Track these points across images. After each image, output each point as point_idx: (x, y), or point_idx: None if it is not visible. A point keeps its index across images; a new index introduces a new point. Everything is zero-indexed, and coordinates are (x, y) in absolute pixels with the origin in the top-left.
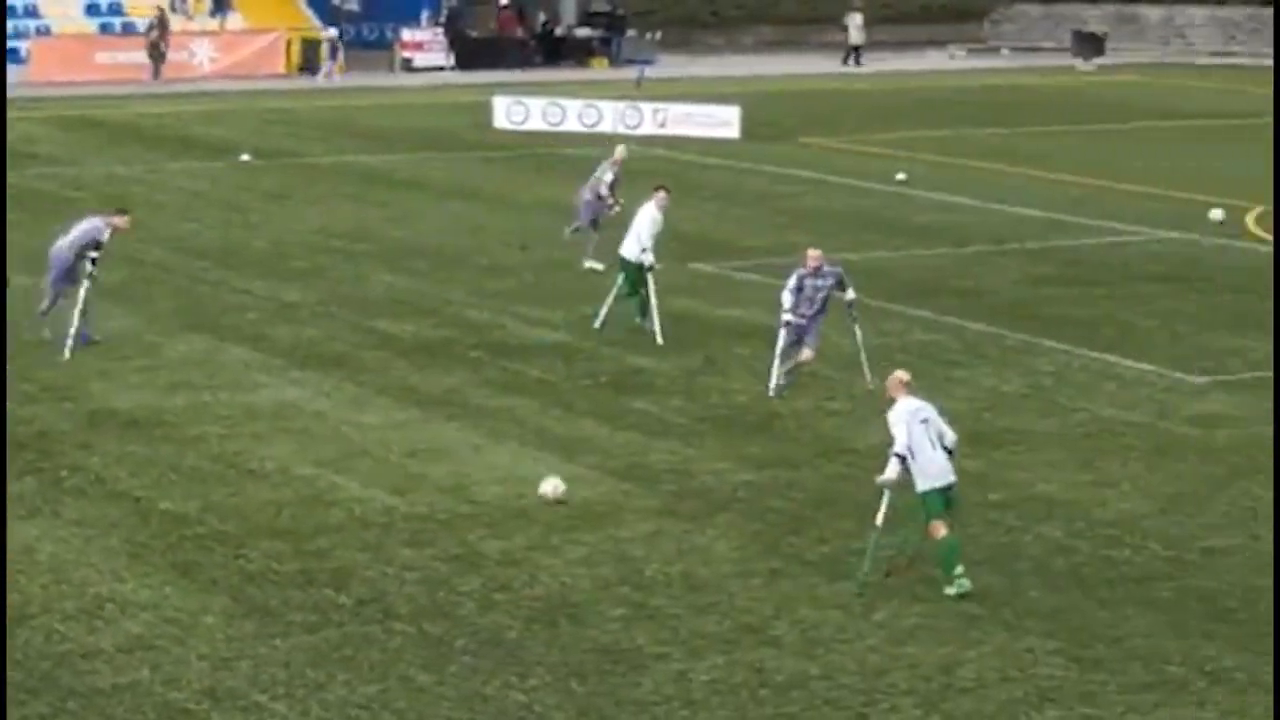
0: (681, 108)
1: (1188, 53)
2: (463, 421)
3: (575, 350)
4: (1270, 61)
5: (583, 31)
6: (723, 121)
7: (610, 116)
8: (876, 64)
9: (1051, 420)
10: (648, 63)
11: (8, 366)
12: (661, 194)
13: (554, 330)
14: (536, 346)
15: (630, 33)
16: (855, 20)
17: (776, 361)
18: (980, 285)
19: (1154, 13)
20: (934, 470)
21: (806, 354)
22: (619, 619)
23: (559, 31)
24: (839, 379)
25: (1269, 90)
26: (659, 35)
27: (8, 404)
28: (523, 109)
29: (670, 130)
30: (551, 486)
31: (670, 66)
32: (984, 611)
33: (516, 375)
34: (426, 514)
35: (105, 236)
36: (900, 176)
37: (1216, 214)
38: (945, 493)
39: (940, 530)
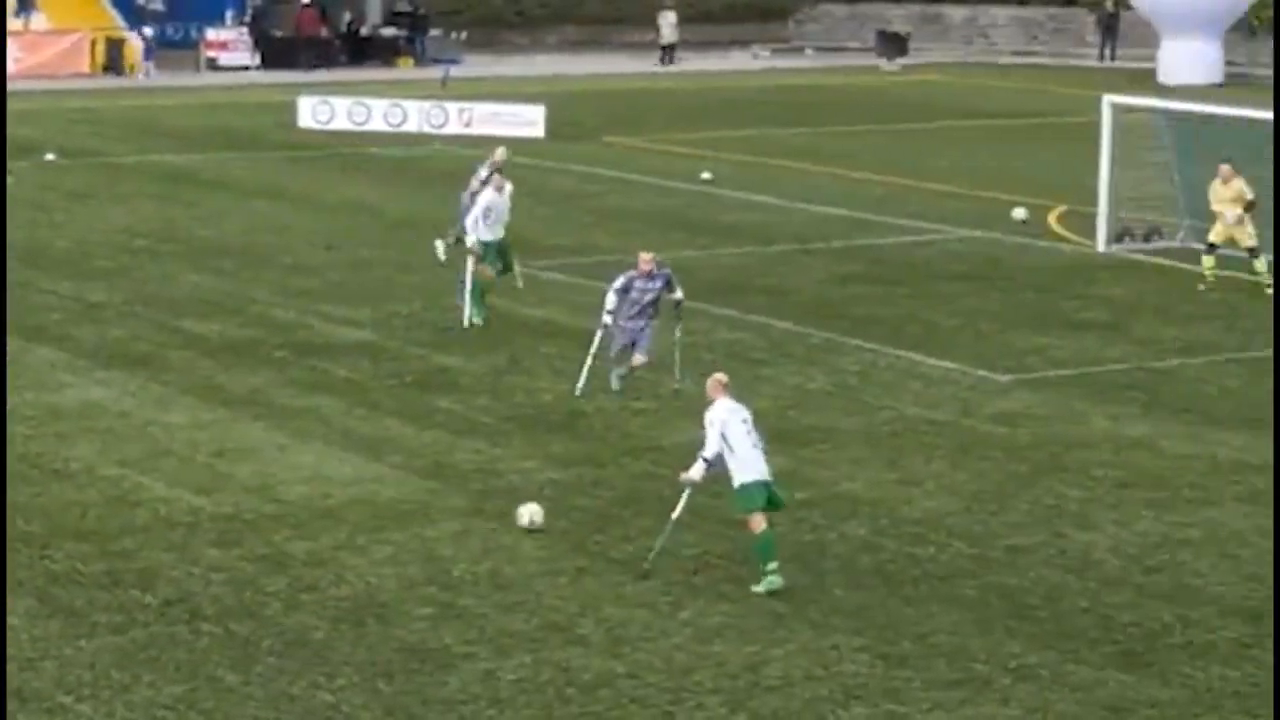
0: (487, 107)
1: (991, 52)
2: (268, 421)
3: (381, 349)
4: (1074, 61)
5: (388, 31)
6: (528, 121)
7: (415, 116)
8: (680, 64)
9: (857, 419)
10: (453, 62)
11: None
12: (496, 177)
13: (360, 329)
14: (342, 346)
15: (435, 32)
16: (668, 19)
17: (588, 361)
18: (785, 284)
19: (957, 13)
20: (753, 465)
21: (639, 359)
22: (426, 618)
23: (364, 31)
24: (645, 378)
25: (1071, 90)
26: (464, 35)
27: None
28: (328, 108)
29: (476, 130)
30: (529, 516)
31: (476, 66)
32: (790, 610)
33: (322, 375)
34: (233, 514)
35: None
36: (705, 176)
37: (1019, 213)
38: (768, 485)
39: (760, 524)
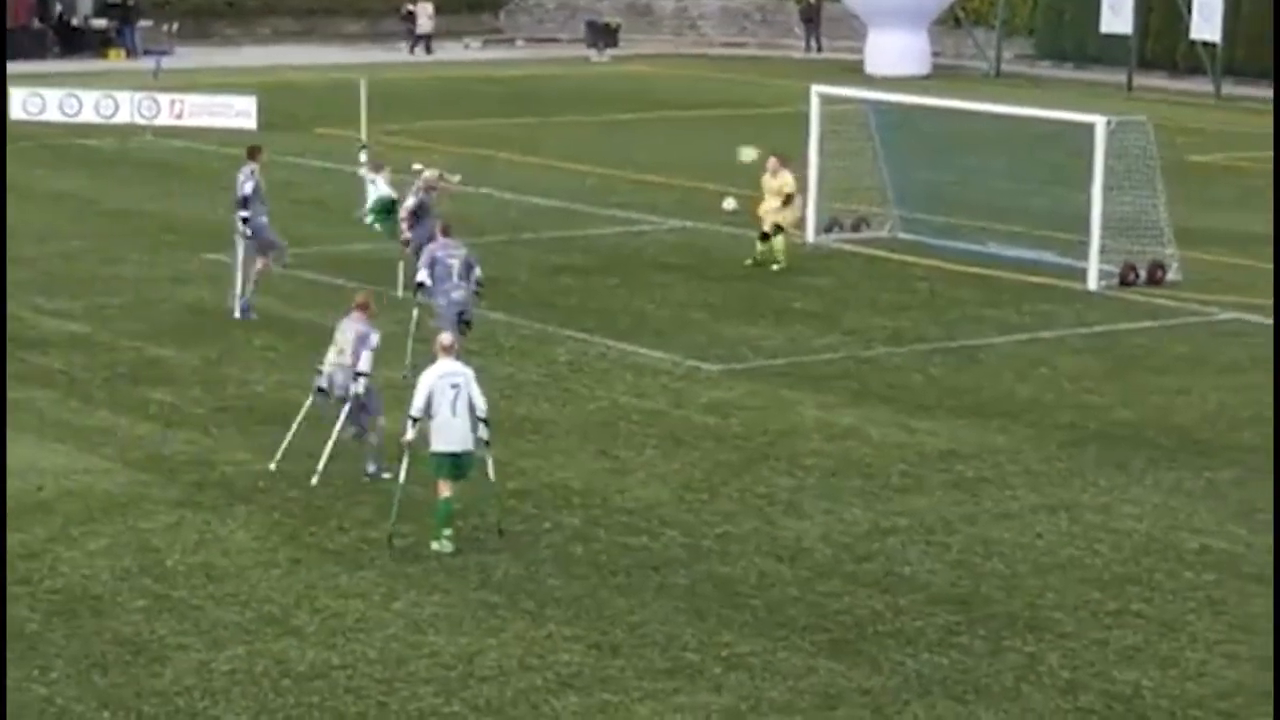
0: (199, 98)
1: (700, 44)
2: None
3: (95, 342)
4: (783, 52)
5: (99, 22)
6: (240, 112)
7: (127, 107)
8: (395, 54)
9: (569, 409)
10: (164, 53)
11: None
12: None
13: (73, 321)
14: (55, 338)
15: (146, 23)
16: (426, 9)
17: (410, 343)
18: (498, 275)
19: (667, 4)
20: (447, 435)
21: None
22: (140, 610)
23: (75, 22)
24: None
25: (780, 81)
26: (175, 26)
27: None
28: (39, 100)
29: (188, 121)
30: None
31: (188, 58)
32: (504, 600)
33: (35, 367)
34: None
35: None
36: (416, 166)
37: (729, 203)
38: (455, 459)
39: (444, 491)
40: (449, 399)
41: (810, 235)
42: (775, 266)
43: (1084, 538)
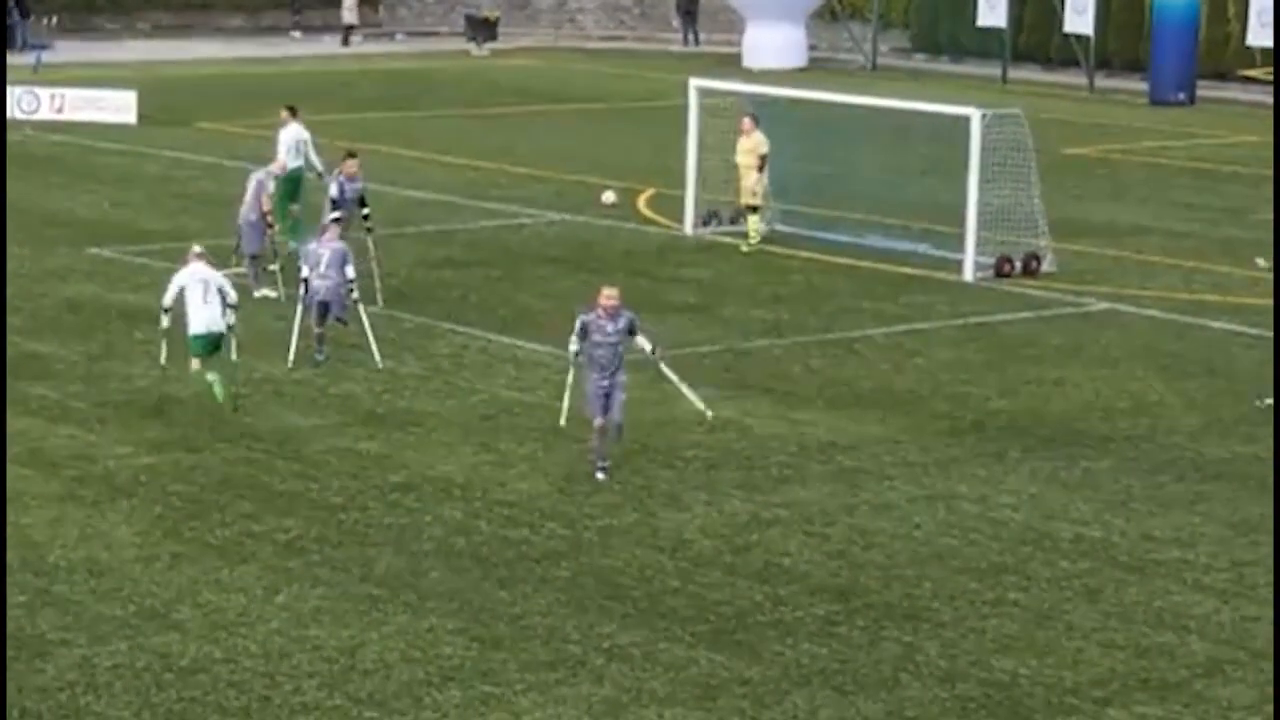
0: (79, 92)
1: (579, 37)
2: None
3: None
4: (661, 46)
5: None
6: (120, 106)
7: (8, 102)
8: (274, 49)
9: (450, 402)
10: (44, 47)
11: None
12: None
13: None
14: None
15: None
16: (348, 0)
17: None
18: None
19: None
20: (198, 319)
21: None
22: (22, 605)
23: None
24: (240, 362)
25: (658, 74)
26: (55, 20)
27: None
28: None
29: (68, 115)
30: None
31: (68, 52)
32: (386, 593)
33: None
34: None
35: None
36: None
37: (609, 196)
38: (208, 337)
39: (195, 365)
40: (199, 291)
41: (689, 228)
42: (745, 248)
43: (961, 528)
